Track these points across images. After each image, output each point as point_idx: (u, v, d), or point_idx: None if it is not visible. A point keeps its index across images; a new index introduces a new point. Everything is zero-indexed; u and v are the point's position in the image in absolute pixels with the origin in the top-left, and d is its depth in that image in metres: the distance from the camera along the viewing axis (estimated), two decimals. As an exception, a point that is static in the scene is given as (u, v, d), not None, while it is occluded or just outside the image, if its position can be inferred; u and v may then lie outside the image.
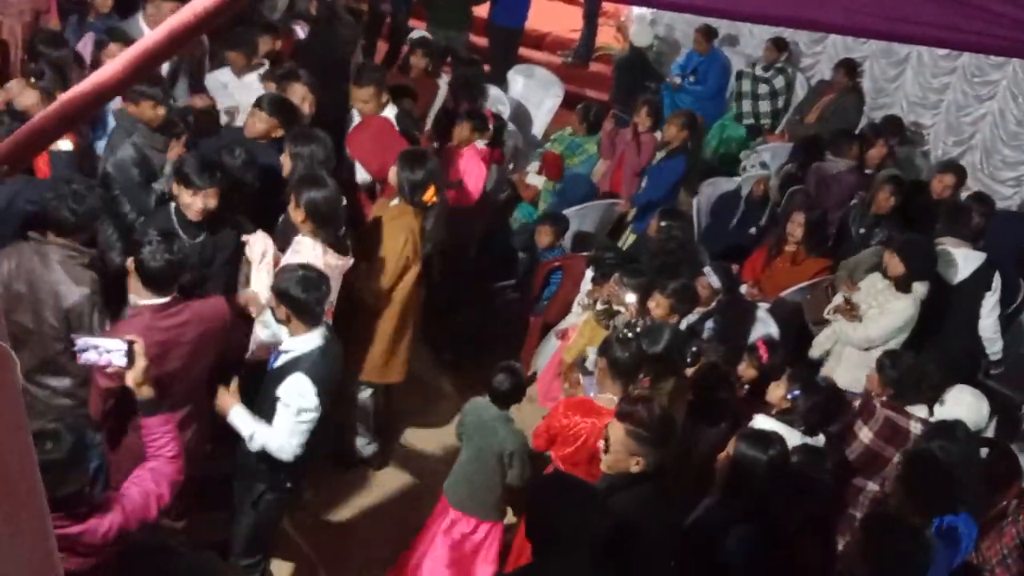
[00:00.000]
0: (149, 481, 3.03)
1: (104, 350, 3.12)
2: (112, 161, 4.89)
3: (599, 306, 5.03)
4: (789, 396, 4.36)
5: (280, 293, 3.86)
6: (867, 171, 7.16)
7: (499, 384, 4.31)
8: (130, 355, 3.12)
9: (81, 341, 3.14)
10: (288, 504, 4.39)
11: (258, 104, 5.19)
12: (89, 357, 3.13)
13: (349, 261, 4.63)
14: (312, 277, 3.89)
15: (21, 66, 5.78)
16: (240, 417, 3.89)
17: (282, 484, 4.10)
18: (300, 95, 5.56)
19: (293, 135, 5.00)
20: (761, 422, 4.35)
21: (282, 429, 3.87)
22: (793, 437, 4.16)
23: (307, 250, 4.45)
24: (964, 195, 6.91)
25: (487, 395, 4.35)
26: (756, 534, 3.62)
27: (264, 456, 3.94)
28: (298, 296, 3.83)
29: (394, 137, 5.64)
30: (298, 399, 3.84)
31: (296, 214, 4.44)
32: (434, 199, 4.89)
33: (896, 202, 6.41)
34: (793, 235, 6.12)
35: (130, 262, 3.80)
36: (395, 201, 5.00)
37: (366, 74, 5.91)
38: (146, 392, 3.14)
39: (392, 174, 4.95)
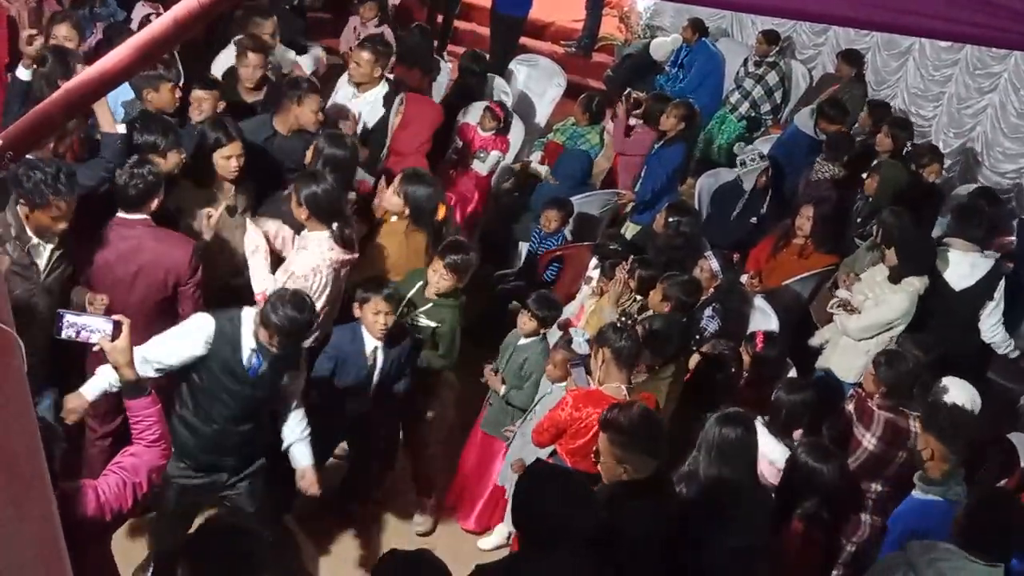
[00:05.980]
0: (128, 469, 2.92)
1: (87, 327, 3.03)
2: None
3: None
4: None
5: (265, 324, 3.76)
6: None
7: None
8: (115, 334, 3.02)
9: (67, 317, 3.04)
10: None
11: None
12: (70, 333, 3.03)
13: (354, 256, 4.63)
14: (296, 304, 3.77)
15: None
16: None
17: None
18: None
19: (326, 135, 5.05)
20: None
21: None
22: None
23: (313, 244, 4.46)
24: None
25: None
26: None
27: None
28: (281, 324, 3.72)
29: None
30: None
31: (299, 212, 4.44)
32: (443, 215, 5.05)
33: (878, 183, 6.43)
34: (801, 229, 6.05)
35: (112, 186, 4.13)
36: (394, 218, 5.03)
37: None
38: (128, 373, 3.02)
39: (391, 191, 4.99)
